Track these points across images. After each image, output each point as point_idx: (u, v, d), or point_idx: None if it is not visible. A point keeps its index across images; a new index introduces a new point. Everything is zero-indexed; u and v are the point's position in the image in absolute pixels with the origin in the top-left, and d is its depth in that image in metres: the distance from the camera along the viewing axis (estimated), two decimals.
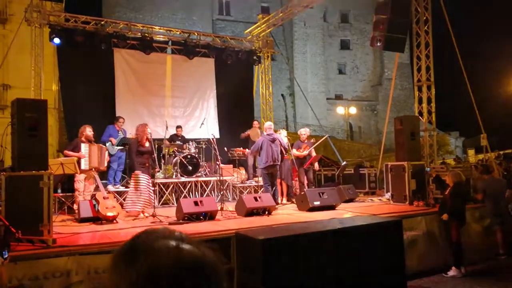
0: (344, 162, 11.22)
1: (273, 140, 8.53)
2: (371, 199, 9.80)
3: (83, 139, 7.71)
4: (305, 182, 9.48)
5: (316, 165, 9.89)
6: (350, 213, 7.52)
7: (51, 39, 10.10)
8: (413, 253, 6.63)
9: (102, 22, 10.95)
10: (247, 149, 9.55)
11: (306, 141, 9.73)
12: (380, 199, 9.69)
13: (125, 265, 0.81)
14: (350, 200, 9.20)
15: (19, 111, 5.56)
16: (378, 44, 9.27)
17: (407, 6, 9.29)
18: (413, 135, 8.68)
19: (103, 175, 8.91)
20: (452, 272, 6.43)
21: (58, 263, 4.49)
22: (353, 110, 34.35)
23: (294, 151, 9.41)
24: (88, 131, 7.78)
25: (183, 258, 0.80)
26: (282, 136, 9.36)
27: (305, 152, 9.42)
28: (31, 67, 10.01)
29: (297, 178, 9.80)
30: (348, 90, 38.24)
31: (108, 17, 25.42)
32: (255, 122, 11.62)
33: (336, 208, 8.00)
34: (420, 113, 9.97)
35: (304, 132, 9.92)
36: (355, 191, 9.73)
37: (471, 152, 28.74)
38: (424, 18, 9.96)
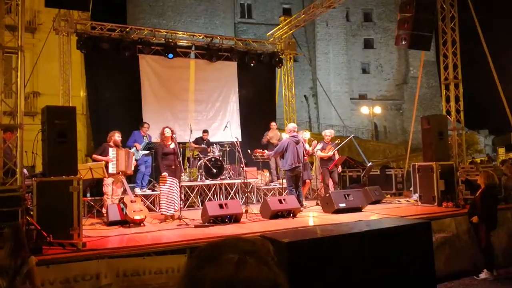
0: (370, 163, 11.06)
1: (297, 142, 8.49)
2: (398, 201, 9.64)
3: (111, 143, 7.89)
4: (330, 183, 9.40)
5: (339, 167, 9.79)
6: (376, 215, 7.41)
7: (78, 47, 10.36)
8: (443, 255, 6.49)
9: (127, 29, 11.15)
10: (266, 151, 9.42)
11: (330, 142, 9.67)
12: (407, 201, 9.51)
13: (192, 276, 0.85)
14: (377, 202, 9.07)
15: (49, 118, 5.72)
16: (404, 42, 9.10)
17: (432, 3, 9.09)
18: (441, 134, 8.49)
19: (131, 178, 9.07)
20: (484, 274, 6.26)
21: (88, 266, 4.60)
22: (377, 109, 33.86)
23: (319, 152, 9.36)
24: (117, 136, 7.97)
25: (239, 276, 0.81)
26: (305, 137, 9.35)
27: (330, 153, 9.36)
28: (59, 75, 10.27)
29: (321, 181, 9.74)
30: (372, 89, 37.77)
31: (133, 23, 25.95)
32: (273, 124, 11.54)
33: (362, 210, 7.90)
34: (448, 112, 9.72)
35: (328, 133, 9.87)
36: (382, 192, 9.59)
37: (501, 150, 27.94)
38: (450, 15, 9.73)
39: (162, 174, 7.54)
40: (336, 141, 9.82)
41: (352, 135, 11.76)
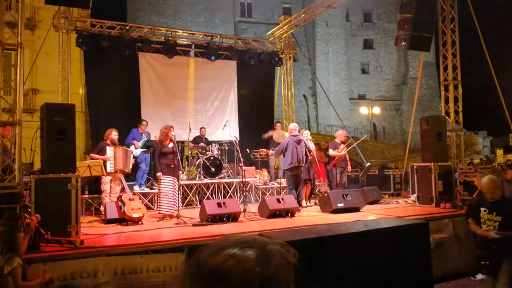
0: (368, 163, 11.05)
1: (298, 141, 8.47)
2: (396, 201, 9.65)
3: (108, 142, 7.87)
4: (334, 184, 9.40)
5: (349, 166, 9.77)
6: (374, 215, 7.42)
7: (78, 44, 10.34)
8: (440, 256, 6.50)
9: (127, 27, 11.13)
10: (270, 150, 9.52)
11: (343, 142, 9.72)
12: (405, 201, 9.53)
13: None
14: (375, 202, 9.08)
15: (48, 115, 5.72)
16: (403, 43, 9.10)
17: (432, 4, 9.09)
18: (440, 135, 8.51)
19: (130, 176, 9.05)
20: (481, 275, 6.26)
21: (85, 263, 4.60)
22: (376, 110, 33.89)
23: (331, 151, 9.43)
24: (114, 134, 7.94)
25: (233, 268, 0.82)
26: (306, 136, 9.35)
27: (343, 152, 9.37)
28: (58, 72, 10.26)
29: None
30: (371, 90, 37.78)
31: (132, 21, 25.93)
32: (278, 124, 11.55)
33: (360, 210, 7.91)
34: (447, 113, 9.74)
35: (341, 133, 9.90)
36: (380, 192, 9.60)
37: (499, 152, 28.01)
38: (450, 16, 9.74)
39: (157, 174, 7.54)
40: (349, 141, 9.83)
41: (366, 136, 11.77)
